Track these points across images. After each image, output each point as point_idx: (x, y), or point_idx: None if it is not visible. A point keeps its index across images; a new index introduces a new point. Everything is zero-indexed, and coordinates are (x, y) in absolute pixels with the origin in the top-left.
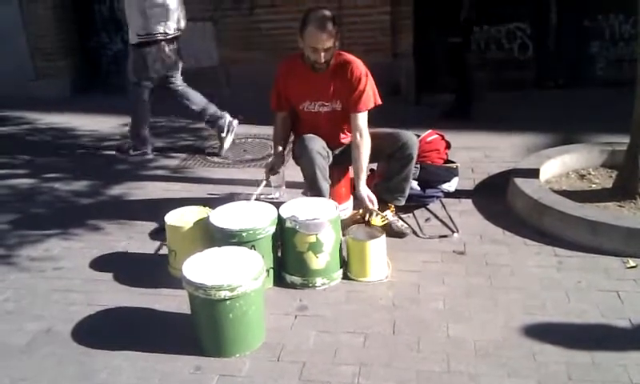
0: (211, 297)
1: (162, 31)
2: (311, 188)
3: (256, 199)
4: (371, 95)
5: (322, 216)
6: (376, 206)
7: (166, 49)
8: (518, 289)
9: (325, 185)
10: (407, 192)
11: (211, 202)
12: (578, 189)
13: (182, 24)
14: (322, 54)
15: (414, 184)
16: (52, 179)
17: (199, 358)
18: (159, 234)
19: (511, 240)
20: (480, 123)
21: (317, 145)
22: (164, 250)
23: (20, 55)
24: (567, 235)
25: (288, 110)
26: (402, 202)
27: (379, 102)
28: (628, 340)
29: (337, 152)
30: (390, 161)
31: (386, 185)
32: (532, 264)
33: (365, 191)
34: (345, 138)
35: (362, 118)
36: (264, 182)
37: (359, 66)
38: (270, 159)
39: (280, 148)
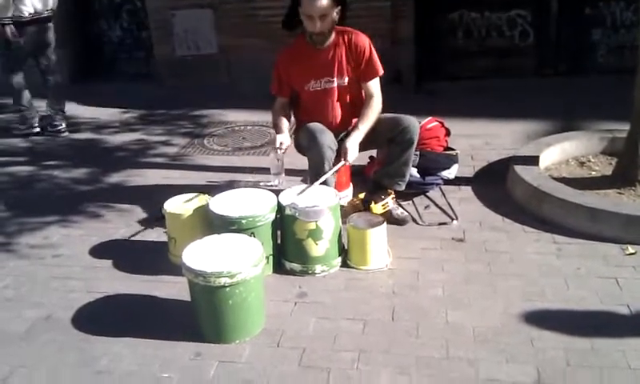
0: (211, 283)
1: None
2: (317, 180)
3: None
4: (377, 63)
5: (321, 203)
6: (348, 162)
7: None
8: (517, 275)
9: (331, 179)
10: (407, 177)
11: (211, 190)
12: (577, 176)
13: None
14: (318, 23)
15: (414, 171)
16: (51, 167)
17: (199, 344)
18: (159, 221)
19: (510, 227)
20: (480, 111)
21: (327, 139)
22: (164, 237)
23: None
24: (567, 222)
25: (289, 96)
26: (402, 187)
27: (381, 72)
28: (626, 326)
29: (338, 139)
30: (391, 145)
31: (386, 169)
32: (531, 251)
33: (350, 144)
34: (350, 120)
35: (375, 85)
36: (278, 160)
37: (362, 36)
38: (274, 138)
39: (284, 127)
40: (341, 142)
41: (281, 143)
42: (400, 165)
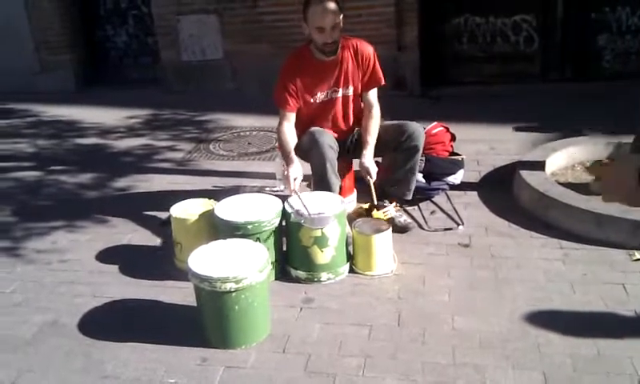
0: (217, 289)
1: None
2: (320, 182)
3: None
4: (380, 72)
5: (327, 210)
6: (373, 179)
7: None
8: (524, 281)
9: (334, 179)
10: (413, 185)
11: (216, 195)
12: (583, 181)
13: None
14: (330, 33)
15: (419, 176)
16: (57, 172)
17: (205, 349)
18: (165, 226)
19: (517, 232)
20: (485, 116)
21: (328, 139)
22: (170, 243)
23: (25, 48)
24: (573, 228)
25: (295, 110)
26: (410, 197)
27: (383, 82)
28: (633, 332)
29: (341, 144)
30: (396, 153)
31: (392, 178)
32: (537, 256)
33: (369, 162)
34: (350, 129)
35: (374, 94)
36: (298, 196)
37: (367, 45)
38: (287, 171)
39: (294, 157)
40: (344, 149)
41: (295, 179)
42: (405, 173)
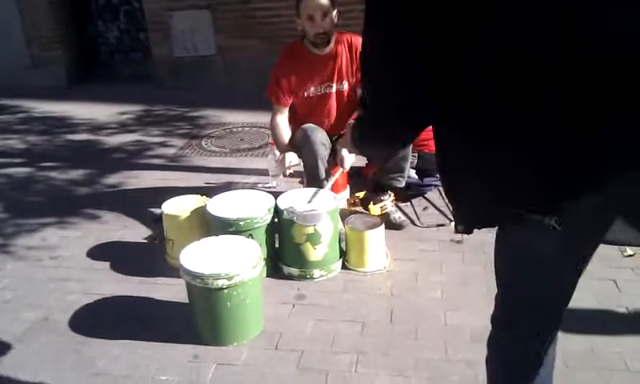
0: (209, 286)
1: None
2: (312, 179)
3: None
4: None
5: (320, 207)
6: (345, 169)
7: None
8: None
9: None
10: (407, 173)
11: (208, 191)
12: None
13: None
14: (320, 22)
15: (412, 173)
16: (48, 168)
17: (197, 346)
18: (156, 222)
19: None
20: None
21: (320, 136)
22: (161, 239)
23: (16, 44)
24: None
25: (289, 105)
26: (402, 184)
27: None
28: (625, 327)
29: (334, 140)
30: None
31: (385, 166)
32: None
33: (346, 151)
34: (344, 124)
35: None
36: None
37: (360, 39)
38: (281, 156)
39: (288, 144)
40: (335, 145)
41: (290, 162)
42: (398, 160)
